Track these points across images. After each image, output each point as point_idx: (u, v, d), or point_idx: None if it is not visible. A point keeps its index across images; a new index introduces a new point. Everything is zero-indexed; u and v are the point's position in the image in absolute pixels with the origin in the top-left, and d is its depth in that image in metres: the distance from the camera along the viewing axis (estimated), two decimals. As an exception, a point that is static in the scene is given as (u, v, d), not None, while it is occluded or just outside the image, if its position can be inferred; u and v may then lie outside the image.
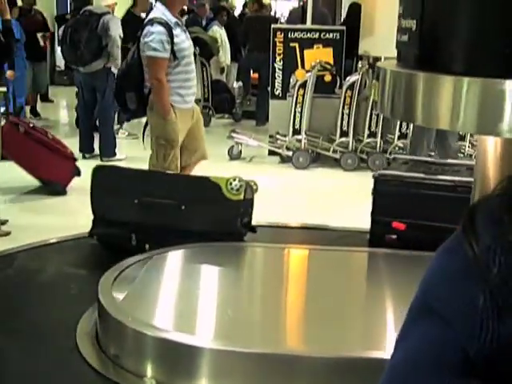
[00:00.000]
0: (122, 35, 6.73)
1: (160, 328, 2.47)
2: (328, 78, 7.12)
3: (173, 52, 4.03)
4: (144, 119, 4.47)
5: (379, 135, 6.78)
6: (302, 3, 10.39)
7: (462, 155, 6.40)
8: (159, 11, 4.10)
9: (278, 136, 7.12)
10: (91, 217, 3.85)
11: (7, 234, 4.44)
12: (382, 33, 5.90)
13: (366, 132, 6.82)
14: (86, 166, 4.62)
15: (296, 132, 6.89)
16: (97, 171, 3.88)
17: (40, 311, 3.05)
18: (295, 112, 6.85)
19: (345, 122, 6.80)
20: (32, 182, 5.49)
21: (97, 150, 7.01)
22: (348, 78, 6.88)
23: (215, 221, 3.55)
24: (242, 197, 3.54)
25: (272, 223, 4.46)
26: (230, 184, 3.52)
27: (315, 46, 7.25)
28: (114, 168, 3.90)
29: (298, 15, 9.21)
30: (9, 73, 6.95)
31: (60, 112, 10.91)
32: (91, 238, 3.82)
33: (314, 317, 2.75)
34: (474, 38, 1.31)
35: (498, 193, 0.59)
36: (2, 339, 2.79)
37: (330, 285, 3.05)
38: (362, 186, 4.52)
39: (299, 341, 2.71)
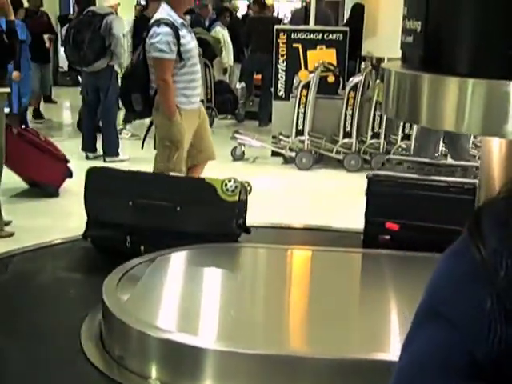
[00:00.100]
0: (125, 34, 6.74)
1: (164, 329, 2.47)
2: (331, 78, 7.12)
3: (179, 53, 4.02)
4: (147, 121, 4.47)
5: (382, 136, 6.78)
6: (304, 4, 10.38)
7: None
8: (165, 12, 4.09)
9: (281, 137, 7.12)
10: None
11: (11, 234, 4.44)
12: (385, 34, 5.89)
13: (370, 133, 6.82)
14: (89, 167, 4.60)
15: (299, 133, 6.89)
16: (90, 173, 3.85)
17: (41, 313, 3.05)
18: (298, 113, 6.85)
19: (348, 123, 6.80)
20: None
21: (100, 151, 7.02)
22: (351, 79, 6.88)
23: (210, 222, 3.54)
24: (237, 198, 3.53)
25: (274, 224, 4.46)
26: (225, 185, 3.51)
27: (318, 47, 7.25)
28: (108, 170, 3.88)
29: (301, 16, 9.20)
30: (15, 74, 6.96)
31: (63, 113, 10.92)
32: (85, 241, 3.79)
33: (316, 318, 2.75)
34: (479, 39, 1.31)
35: (503, 195, 0.59)
36: (5, 340, 2.79)
37: (330, 286, 3.05)
38: (365, 187, 4.51)
39: (303, 342, 2.71)
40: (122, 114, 7.58)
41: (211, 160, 4.45)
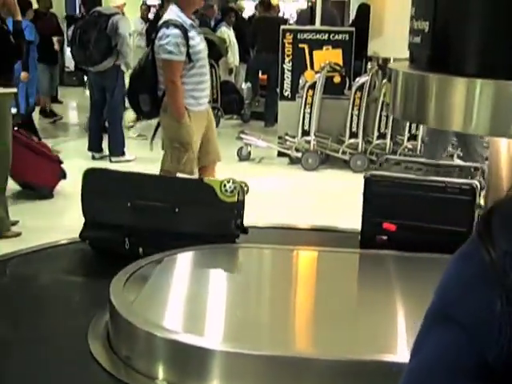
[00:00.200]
0: (131, 34, 6.75)
1: (172, 330, 2.48)
2: (337, 79, 7.11)
3: (188, 54, 4.01)
4: (154, 122, 4.46)
5: (389, 136, 6.77)
6: (310, 4, 10.39)
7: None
8: (174, 13, 4.08)
9: (287, 137, 7.12)
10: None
11: (18, 234, 4.46)
12: (391, 34, 5.89)
13: (376, 133, 6.81)
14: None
15: (305, 133, 6.89)
16: (88, 174, 3.84)
17: (44, 315, 3.05)
18: (304, 113, 6.85)
19: (354, 124, 6.79)
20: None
21: (106, 151, 7.03)
22: (357, 79, 6.87)
23: (210, 223, 3.53)
24: (235, 198, 3.52)
25: (276, 224, 4.46)
26: (224, 186, 3.51)
27: (324, 47, 7.24)
28: (106, 171, 3.86)
29: (306, 16, 9.20)
30: (23, 75, 6.99)
31: (69, 113, 10.95)
32: (83, 242, 3.79)
33: (321, 319, 2.75)
34: (487, 39, 1.31)
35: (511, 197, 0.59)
36: (10, 342, 2.79)
37: (333, 286, 3.05)
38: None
39: (309, 343, 2.71)
40: (130, 113, 7.58)
41: (217, 161, 4.45)
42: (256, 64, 9.65)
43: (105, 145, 7.06)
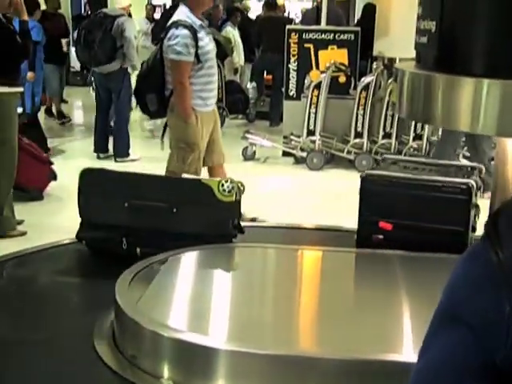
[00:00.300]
0: (136, 36, 6.77)
1: (177, 329, 2.48)
2: (342, 78, 7.12)
3: (197, 55, 4.01)
4: (164, 120, 4.46)
5: (394, 136, 6.77)
6: (316, 4, 10.38)
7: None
8: (183, 13, 4.08)
9: (292, 137, 7.12)
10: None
11: (23, 234, 4.47)
12: (397, 34, 5.89)
13: (381, 133, 6.80)
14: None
15: (310, 133, 6.89)
16: (84, 174, 3.83)
17: (45, 316, 3.05)
18: (309, 113, 6.85)
19: (359, 123, 6.79)
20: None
21: (111, 151, 7.04)
22: (363, 79, 6.87)
23: (208, 223, 3.52)
24: (233, 198, 3.52)
25: (281, 224, 4.46)
26: (222, 186, 3.50)
27: (330, 47, 7.25)
28: (103, 171, 3.86)
29: (312, 16, 9.19)
30: (29, 74, 7.00)
31: (74, 112, 10.97)
32: (79, 243, 3.78)
33: (325, 318, 2.75)
34: (494, 39, 1.31)
35: (519, 197, 0.59)
36: (12, 342, 2.80)
37: (335, 285, 3.05)
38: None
39: (314, 342, 2.71)
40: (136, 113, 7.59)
41: (222, 162, 4.45)
42: (261, 64, 9.66)
43: (110, 145, 7.08)
